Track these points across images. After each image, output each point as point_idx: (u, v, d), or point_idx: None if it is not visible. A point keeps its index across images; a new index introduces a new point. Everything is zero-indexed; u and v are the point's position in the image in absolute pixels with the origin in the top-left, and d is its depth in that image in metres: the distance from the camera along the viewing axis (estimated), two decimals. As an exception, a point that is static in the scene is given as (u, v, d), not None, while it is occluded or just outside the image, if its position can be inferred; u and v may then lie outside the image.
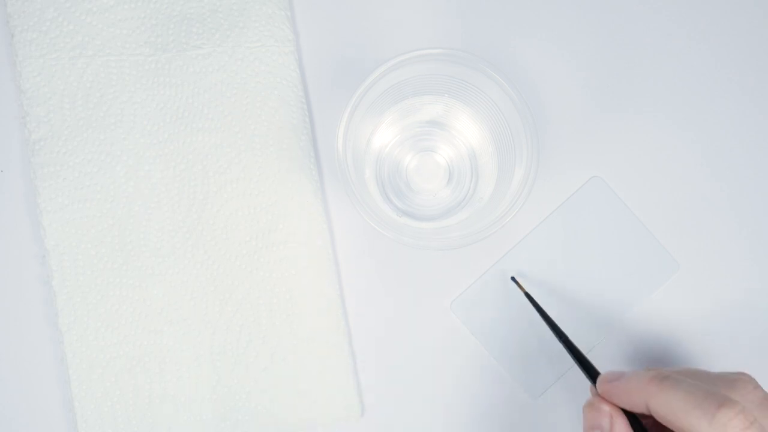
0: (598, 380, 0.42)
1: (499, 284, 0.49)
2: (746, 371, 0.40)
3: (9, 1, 0.48)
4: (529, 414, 0.49)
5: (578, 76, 0.50)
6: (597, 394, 0.42)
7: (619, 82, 0.50)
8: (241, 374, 0.48)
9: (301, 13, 0.50)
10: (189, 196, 0.48)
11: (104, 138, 0.48)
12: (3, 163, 0.49)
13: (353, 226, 0.49)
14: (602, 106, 0.50)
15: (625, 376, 0.41)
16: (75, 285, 0.48)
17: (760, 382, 0.40)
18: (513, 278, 0.49)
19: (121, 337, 0.48)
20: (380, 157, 0.49)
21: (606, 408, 0.41)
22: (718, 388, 0.38)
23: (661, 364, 0.49)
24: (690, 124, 0.50)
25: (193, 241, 0.48)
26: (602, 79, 0.50)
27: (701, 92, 0.51)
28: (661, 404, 0.38)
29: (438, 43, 0.50)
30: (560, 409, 0.49)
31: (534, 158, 0.43)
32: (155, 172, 0.48)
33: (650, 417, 0.40)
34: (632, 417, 0.41)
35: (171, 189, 0.48)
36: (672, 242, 0.50)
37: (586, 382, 0.47)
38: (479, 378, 0.49)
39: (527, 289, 0.48)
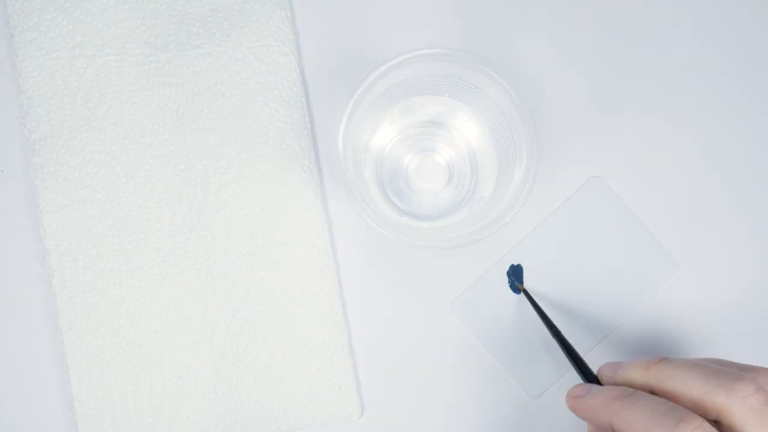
0: (567, 395, 0.41)
1: (499, 284, 0.49)
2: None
3: (9, 1, 0.48)
4: (528, 414, 0.49)
5: (578, 76, 0.50)
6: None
7: (618, 82, 0.50)
8: (241, 374, 0.48)
9: (301, 13, 0.50)
10: (189, 196, 0.48)
11: (104, 138, 0.48)
12: (3, 163, 0.49)
13: (353, 226, 0.49)
14: (602, 106, 0.50)
15: (591, 392, 0.40)
16: (75, 285, 0.48)
17: (760, 383, 0.40)
18: (510, 275, 0.49)
19: (121, 337, 0.48)
20: (380, 157, 0.49)
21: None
22: (714, 390, 0.37)
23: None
24: (690, 125, 0.50)
25: (193, 241, 0.48)
26: (602, 78, 0.50)
27: (701, 92, 0.51)
28: (624, 423, 0.37)
29: (438, 43, 0.49)
30: (560, 409, 0.49)
31: (534, 158, 0.43)
32: (155, 172, 0.48)
33: None
34: None
35: (171, 189, 0.48)
36: (672, 242, 0.50)
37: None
38: (479, 378, 0.49)
39: (525, 287, 0.48)
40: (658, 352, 0.49)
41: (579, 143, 0.50)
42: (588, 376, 0.42)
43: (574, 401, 0.40)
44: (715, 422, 0.37)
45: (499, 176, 0.47)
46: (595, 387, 0.40)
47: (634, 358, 0.49)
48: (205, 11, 0.49)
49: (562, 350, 0.44)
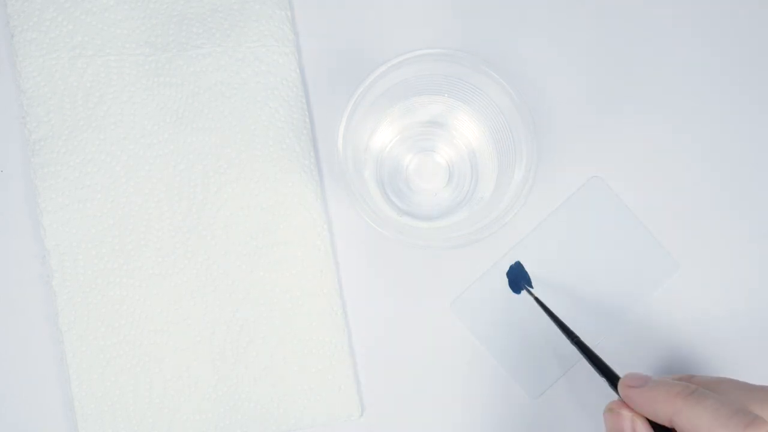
0: (620, 383, 0.40)
1: (499, 284, 0.49)
2: (745, 371, 0.40)
3: (9, 1, 0.48)
4: (528, 414, 0.49)
5: (578, 76, 0.50)
6: (617, 399, 0.41)
7: (618, 82, 0.50)
8: (241, 374, 0.48)
9: (301, 13, 0.50)
10: (189, 196, 0.48)
11: (104, 138, 0.48)
12: (3, 163, 0.49)
13: (353, 226, 0.49)
14: (602, 106, 0.50)
15: (650, 383, 0.39)
16: (75, 285, 0.48)
17: (758, 381, 0.40)
18: (510, 275, 0.49)
19: (121, 337, 0.48)
20: (380, 157, 0.49)
21: (627, 413, 0.39)
22: (748, 404, 0.37)
23: (661, 364, 0.49)
24: (690, 124, 0.50)
25: (193, 241, 0.48)
26: (602, 78, 0.50)
27: (701, 92, 0.51)
28: (687, 420, 0.37)
29: (438, 43, 0.50)
30: (560, 409, 0.49)
31: (534, 158, 0.43)
32: (155, 172, 0.48)
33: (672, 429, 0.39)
34: (654, 423, 0.39)
35: (171, 189, 0.48)
36: (672, 242, 0.50)
37: (586, 382, 0.47)
38: (479, 378, 0.49)
39: (527, 287, 0.48)
40: (658, 352, 0.49)
41: (579, 143, 0.50)
42: (612, 378, 0.42)
43: (629, 390, 0.39)
44: None
45: (499, 176, 0.47)
46: (652, 378, 0.40)
47: (634, 359, 0.49)
48: (205, 11, 0.49)
49: (582, 355, 0.44)
